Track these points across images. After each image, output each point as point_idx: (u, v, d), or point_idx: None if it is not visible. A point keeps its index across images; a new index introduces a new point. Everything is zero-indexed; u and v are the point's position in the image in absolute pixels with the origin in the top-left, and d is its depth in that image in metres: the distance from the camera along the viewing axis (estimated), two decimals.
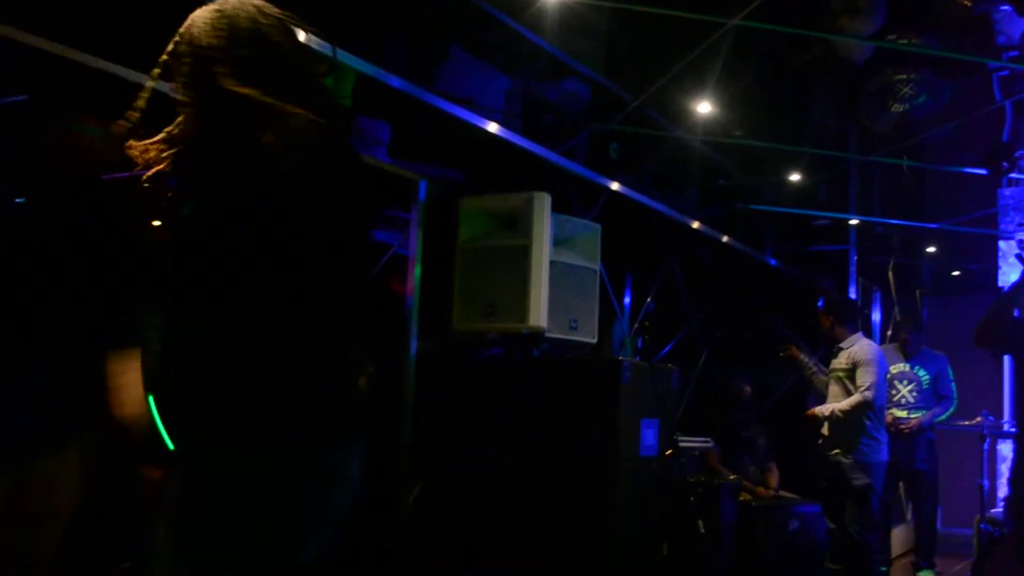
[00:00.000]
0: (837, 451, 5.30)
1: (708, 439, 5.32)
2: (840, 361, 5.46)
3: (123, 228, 4.46)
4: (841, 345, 5.50)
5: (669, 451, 4.13)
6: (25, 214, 3.79)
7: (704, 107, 5.79)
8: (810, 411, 5.47)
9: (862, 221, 7.45)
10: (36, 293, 3.60)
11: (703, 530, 3.94)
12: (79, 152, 4.53)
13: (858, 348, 5.44)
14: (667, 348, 6.10)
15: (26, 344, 3.56)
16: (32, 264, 3.65)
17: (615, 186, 5.33)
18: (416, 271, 4.44)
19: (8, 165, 3.85)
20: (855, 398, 5.26)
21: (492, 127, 4.51)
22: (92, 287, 3.75)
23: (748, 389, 6.10)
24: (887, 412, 5.70)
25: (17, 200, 3.89)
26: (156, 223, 2.02)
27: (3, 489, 3.57)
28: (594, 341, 4.63)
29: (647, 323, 4.44)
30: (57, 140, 4.40)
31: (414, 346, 4.43)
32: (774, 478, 5.97)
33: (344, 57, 3.82)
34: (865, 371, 5.30)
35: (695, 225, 6.03)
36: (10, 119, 3.92)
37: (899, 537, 6.71)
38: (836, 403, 5.35)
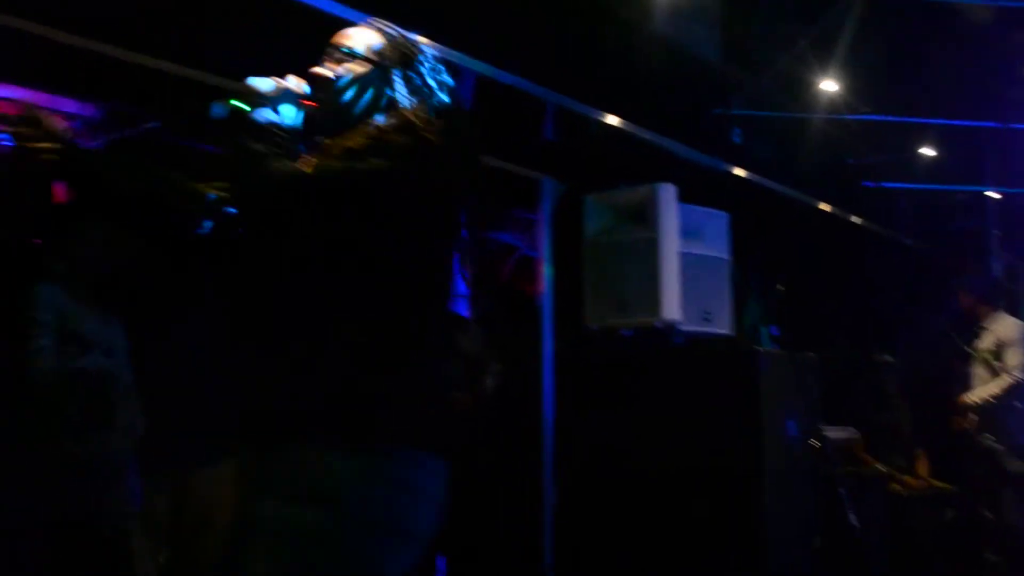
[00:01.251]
0: (989, 436, 5.08)
1: (853, 428, 5.14)
2: (985, 342, 5.23)
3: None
4: (984, 325, 5.28)
5: (814, 442, 4.01)
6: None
7: (828, 84, 5.61)
8: (960, 398, 5.25)
9: (1003, 194, 7.11)
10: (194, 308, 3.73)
11: (855, 523, 3.80)
12: None
13: (1004, 327, 5.21)
14: (801, 335, 5.94)
15: (181, 362, 3.69)
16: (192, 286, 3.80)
17: (740, 172, 5.21)
18: (546, 270, 4.43)
19: None
20: (1006, 380, 5.03)
21: (612, 119, 4.47)
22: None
23: (892, 375, 5.89)
24: None
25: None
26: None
27: (165, 504, 3.71)
28: (730, 332, 4.53)
29: (781, 310, 4.31)
30: None
31: (550, 345, 4.42)
32: (924, 466, 5.74)
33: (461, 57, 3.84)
34: (1014, 351, 5.08)
35: (823, 207, 5.85)
36: None
37: None
38: (987, 389, 5.12)
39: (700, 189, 4.83)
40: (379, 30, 2.02)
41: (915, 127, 6.37)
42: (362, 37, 2.00)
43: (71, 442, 3.07)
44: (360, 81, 1.95)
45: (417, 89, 1.96)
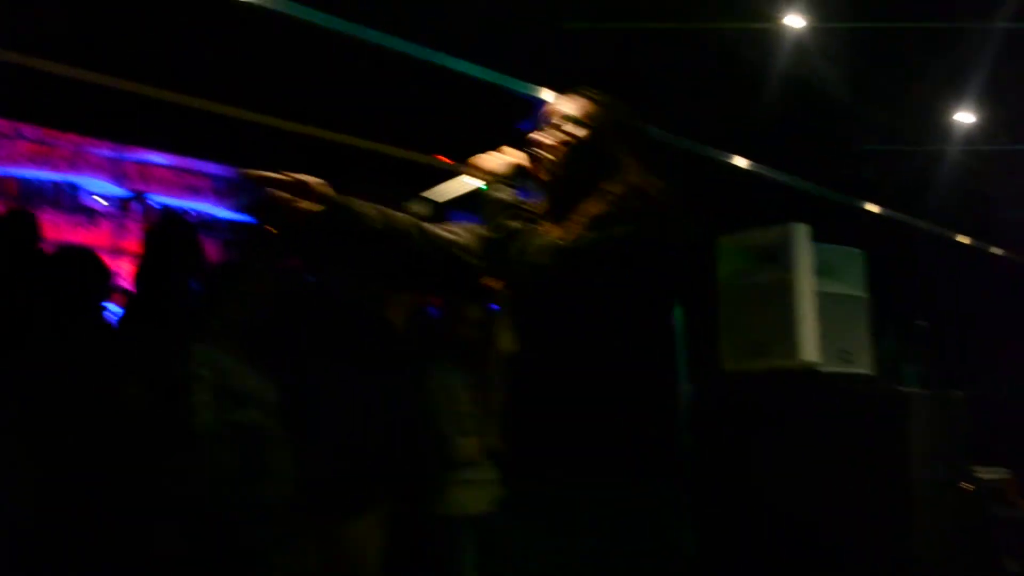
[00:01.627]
0: None
1: (1005, 469, 4.95)
2: None
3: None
4: None
5: (966, 485, 3.88)
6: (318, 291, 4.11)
7: (964, 115, 5.49)
8: None
9: None
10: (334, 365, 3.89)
11: (1015, 569, 3.66)
12: None
13: None
14: (945, 372, 5.76)
15: (327, 412, 3.85)
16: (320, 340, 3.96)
17: (874, 207, 5.13)
18: (679, 314, 4.44)
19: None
20: None
21: (742, 161, 4.48)
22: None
23: None
24: None
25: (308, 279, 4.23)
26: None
27: (312, 553, 3.84)
28: (870, 372, 4.44)
29: (923, 346, 4.21)
30: None
31: (684, 390, 4.41)
32: None
33: None
34: None
35: (961, 239, 5.69)
36: None
37: None
38: None
39: (834, 227, 4.78)
40: (589, 97, 2.11)
41: None
42: (575, 104, 2.10)
43: (227, 493, 3.23)
44: (584, 147, 2.04)
45: (630, 151, 2.05)
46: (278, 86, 4.02)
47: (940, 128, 5.58)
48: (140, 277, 3.97)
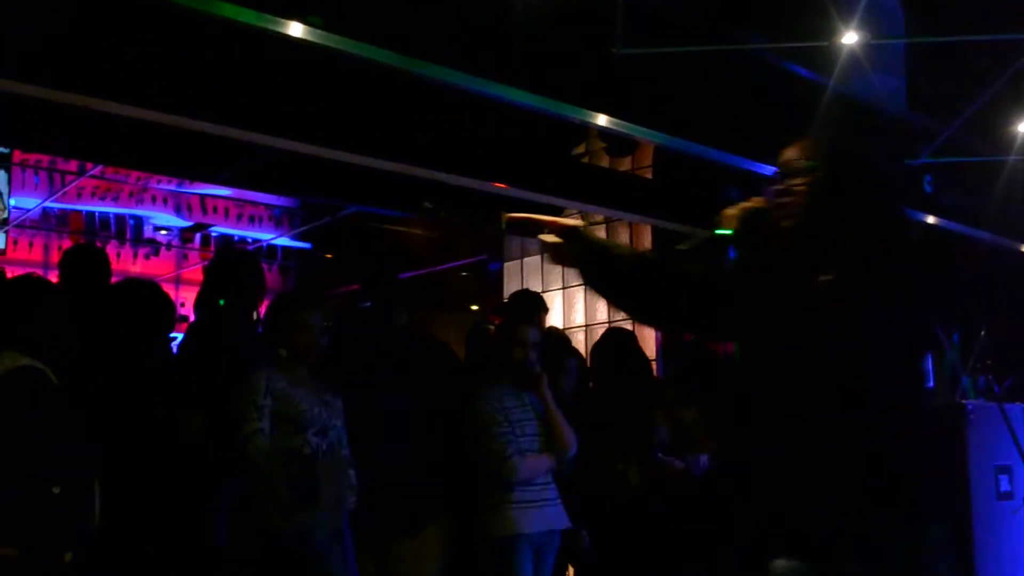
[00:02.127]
0: None
1: None
2: None
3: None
4: None
5: None
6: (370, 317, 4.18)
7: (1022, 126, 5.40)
8: None
9: None
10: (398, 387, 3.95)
11: None
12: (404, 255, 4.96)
13: None
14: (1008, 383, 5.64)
15: (389, 430, 3.90)
16: (385, 359, 4.02)
17: (932, 219, 5.08)
18: None
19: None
20: None
21: None
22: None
23: None
24: None
25: (364, 304, 4.30)
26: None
27: (370, 569, 3.89)
28: (930, 385, 4.39)
29: (986, 360, 4.14)
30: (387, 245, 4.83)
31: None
32: None
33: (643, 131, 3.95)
34: None
35: None
36: None
37: None
38: None
39: None
40: (815, 141, 2.24)
41: None
42: (803, 150, 2.21)
43: (280, 519, 3.27)
44: (822, 187, 2.13)
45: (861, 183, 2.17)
46: (335, 118, 4.10)
47: (997, 139, 5.50)
48: (201, 305, 4.06)
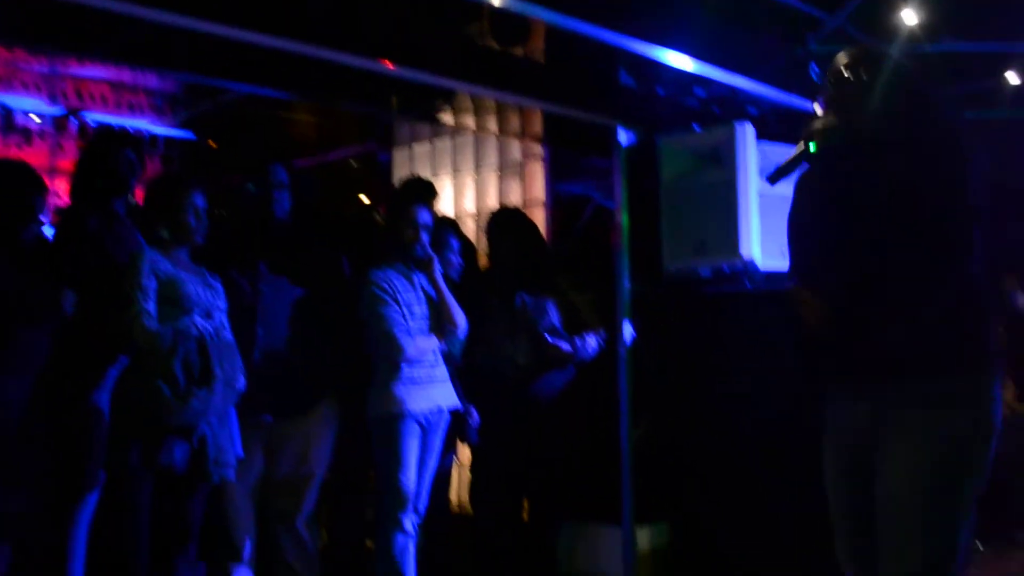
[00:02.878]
0: None
1: None
2: None
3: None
4: None
5: None
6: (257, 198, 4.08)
7: (908, 16, 5.49)
8: None
9: None
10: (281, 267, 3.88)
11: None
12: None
13: None
14: None
15: (272, 313, 3.86)
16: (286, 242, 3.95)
17: (817, 108, 5.14)
18: (623, 217, 4.49)
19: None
20: None
21: (686, 60, 4.45)
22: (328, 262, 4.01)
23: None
24: None
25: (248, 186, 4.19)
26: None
27: (258, 450, 3.88)
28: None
29: None
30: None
31: (627, 293, 4.49)
32: (1010, 392, 5.65)
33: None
34: None
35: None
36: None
37: None
38: None
39: (778, 128, 4.81)
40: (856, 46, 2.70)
41: (999, 56, 6.19)
42: (850, 55, 2.59)
43: (173, 400, 3.24)
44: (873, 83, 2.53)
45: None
46: None
47: (884, 30, 5.58)
48: (76, 189, 3.90)
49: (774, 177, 2.62)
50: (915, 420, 2.37)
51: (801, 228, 2.67)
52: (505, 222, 4.69)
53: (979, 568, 4.80)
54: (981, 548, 4.96)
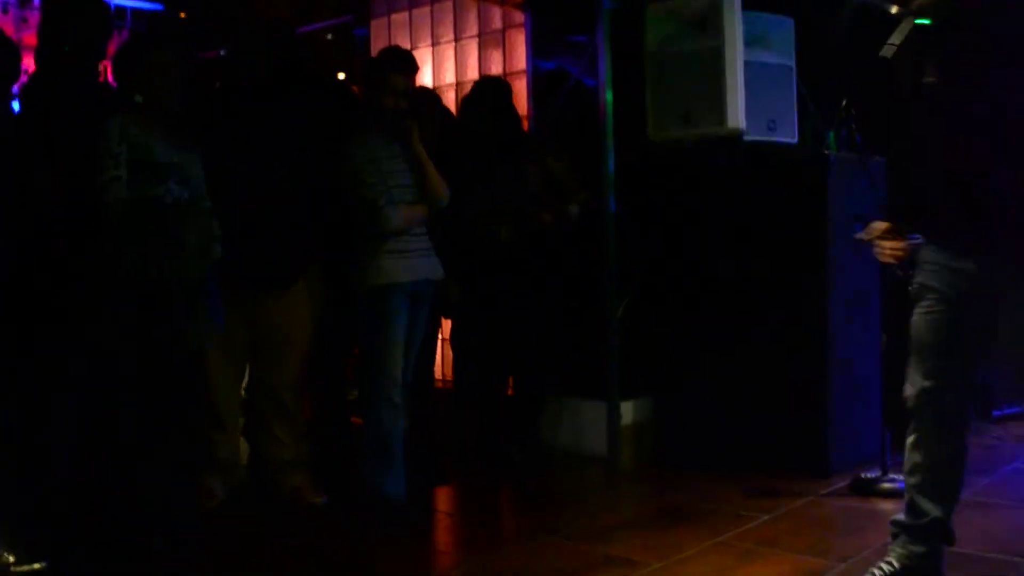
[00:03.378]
0: None
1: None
2: None
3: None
4: None
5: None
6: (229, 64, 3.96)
7: None
8: None
9: None
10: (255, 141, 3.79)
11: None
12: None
13: None
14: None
15: (254, 189, 3.79)
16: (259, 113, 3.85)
17: None
18: (607, 85, 4.41)
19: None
20: None
21: None
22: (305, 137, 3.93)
23: None
24: None
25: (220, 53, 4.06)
26: None
27: (240, 322, 3.87)
28: (795, 141, 4.48)
29: (849, 112, 4.21)
30: None
31: (611, 165, 4.44)
32: None
33: None
34: None
35: (894, 9, 5.62)
36: None
37: None
38: None
39: None
40: None
41: None
42: None
43: (145, 267, 3.20)
44: None
45: None
46: None
47: None
48: (41, 53, 3.75)
49: (888, 52, 2.60)
50: None
51: None
52: (479, 91, 4.60)
53: None
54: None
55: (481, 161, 4.42)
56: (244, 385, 4.19)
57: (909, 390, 2.75)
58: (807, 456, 4.25)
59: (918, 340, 2.71)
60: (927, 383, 2.69)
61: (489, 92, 4.58)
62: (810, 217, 4.22)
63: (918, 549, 2.74)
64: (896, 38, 2.55)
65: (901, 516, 2.80)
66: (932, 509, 2.72)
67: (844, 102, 4.31)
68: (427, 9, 5.83)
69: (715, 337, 4.50)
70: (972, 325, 2.65)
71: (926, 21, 2.51)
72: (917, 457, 2.75)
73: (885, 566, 2.77)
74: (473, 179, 4.31)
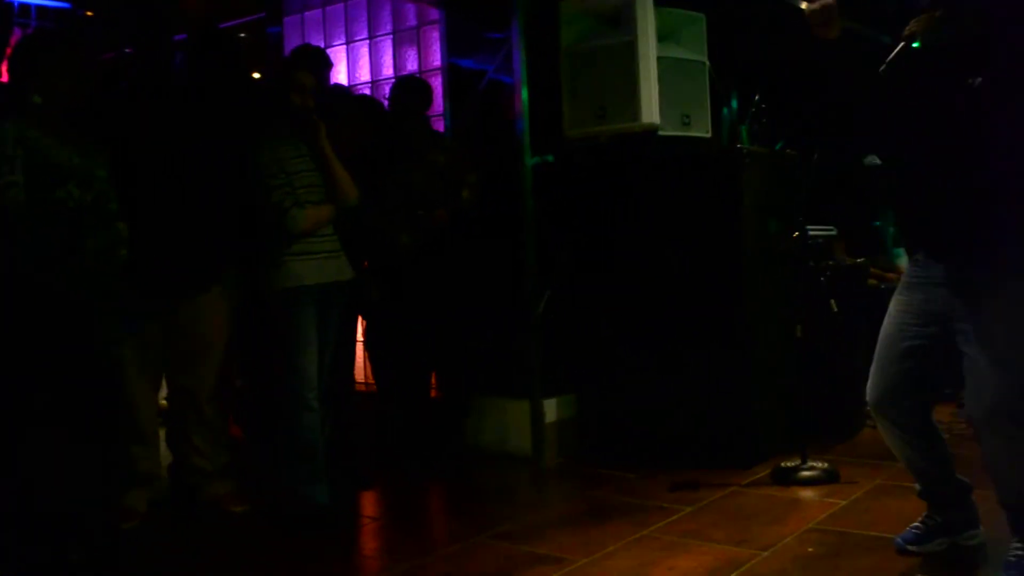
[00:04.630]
0: None
1: (832, 228, 5.21)
2: None
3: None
4: None
5: (796, 234, 4.07)
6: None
7: None
8: None
9: None
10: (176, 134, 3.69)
11: (835, 309, 3.90)
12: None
13: None
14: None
15: (169, 189, 3.68)
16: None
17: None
18: (523, 83, 4.40)
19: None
20: None
21: None
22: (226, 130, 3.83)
23: (877, 178, 5.92)
24: None
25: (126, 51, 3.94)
26: None
27: (156, 329, 3.77)
28: (708, 135, 4.53)
29: (761, 106, 4.27)
30: None
31: (529, 162, 4.44)
32: (904, 263, 5.84)
33: None
34: None
35: (803, 5, 5.70)
36: None
37: None
38: None
39: None
40: None
41: None
42: None
43: (43, 272, 3.08)
44: None
45: None
46: None
47: None
48: None
49: (883, 72, 2.75)
50: None
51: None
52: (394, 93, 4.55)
53: (873, 428, 5.03)
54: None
55: (368, 172, 4.35)
56: (164, 396, 4.08)
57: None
58: (729, 448, 4.30)
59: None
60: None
61: (405, 89, 4.53)
62: (725, 211, 4.26)
63: None
64: (891, 57, 2.72)
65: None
66: None
67: (756, 97, 4.38)
68: (341, 6, 5.76)
69: (636, 333, 4.52)
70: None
71: (916, 45, 2.67)
72: None
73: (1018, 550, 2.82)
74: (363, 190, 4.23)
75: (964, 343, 2.73)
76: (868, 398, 3.01)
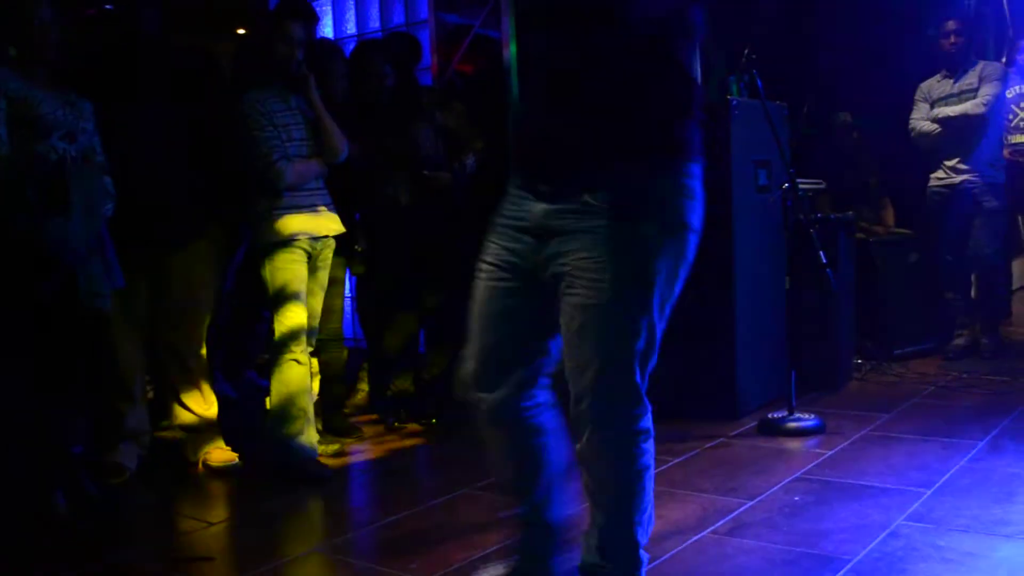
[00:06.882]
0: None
1: (820, 181, 5.21)
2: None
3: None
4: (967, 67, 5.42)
5: (785, 186, 4.06)
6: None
7: None
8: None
9: None
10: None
11: (824, 260, 3.90)
12: None
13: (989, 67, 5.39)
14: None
15: (151, 145, 3.65)
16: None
17: None
18: (510, 24, 4.35)
19: None
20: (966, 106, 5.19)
21: None
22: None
23: (855, 130, 5.93)
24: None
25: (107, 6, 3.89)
26: None
27: (142, 284, 3.75)
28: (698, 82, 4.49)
29: (752, 57, 4.23)
30: None
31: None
32: (890, 215, 5.86)
33: None
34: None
35: None
36: None
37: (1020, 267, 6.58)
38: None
39: None
40: None
41: None
42: None
43: (30, 227, 3.05)
44: None
45: None
46: None
47: None
48: None
49: None
50: None
51: None
52: (363, 50, 4.48)
53: (860, 381, 5.06)
54: (860, 362, 5.23)
55: (372, 125, 4.31)
56: None
57: None
58: (716, 400, 4.32)
59: None
60: None
61: (370, 56, 4.45)
62: (714, 162, 4.22)
63: None
64: None
65: None
66: None
67: (746, 49, 4.34)
68: None
69: None
70: None
71: None
72: None
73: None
74: (366, 143, 4.19)
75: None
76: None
